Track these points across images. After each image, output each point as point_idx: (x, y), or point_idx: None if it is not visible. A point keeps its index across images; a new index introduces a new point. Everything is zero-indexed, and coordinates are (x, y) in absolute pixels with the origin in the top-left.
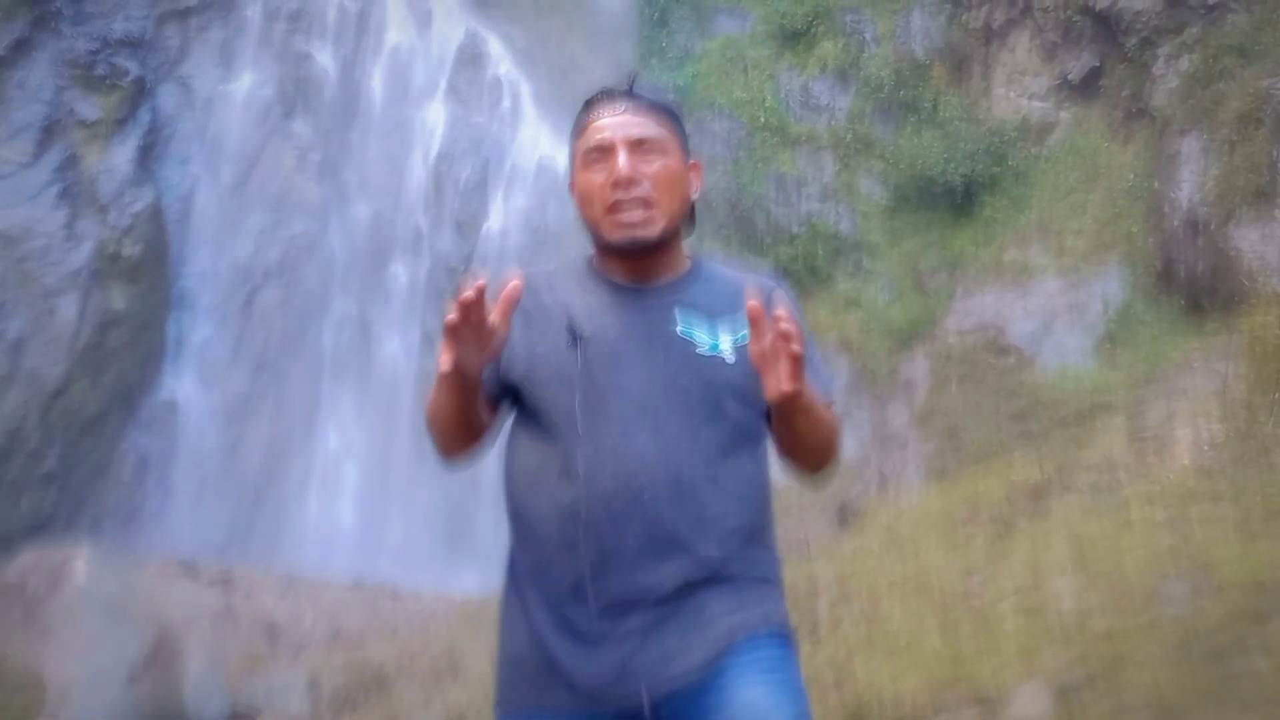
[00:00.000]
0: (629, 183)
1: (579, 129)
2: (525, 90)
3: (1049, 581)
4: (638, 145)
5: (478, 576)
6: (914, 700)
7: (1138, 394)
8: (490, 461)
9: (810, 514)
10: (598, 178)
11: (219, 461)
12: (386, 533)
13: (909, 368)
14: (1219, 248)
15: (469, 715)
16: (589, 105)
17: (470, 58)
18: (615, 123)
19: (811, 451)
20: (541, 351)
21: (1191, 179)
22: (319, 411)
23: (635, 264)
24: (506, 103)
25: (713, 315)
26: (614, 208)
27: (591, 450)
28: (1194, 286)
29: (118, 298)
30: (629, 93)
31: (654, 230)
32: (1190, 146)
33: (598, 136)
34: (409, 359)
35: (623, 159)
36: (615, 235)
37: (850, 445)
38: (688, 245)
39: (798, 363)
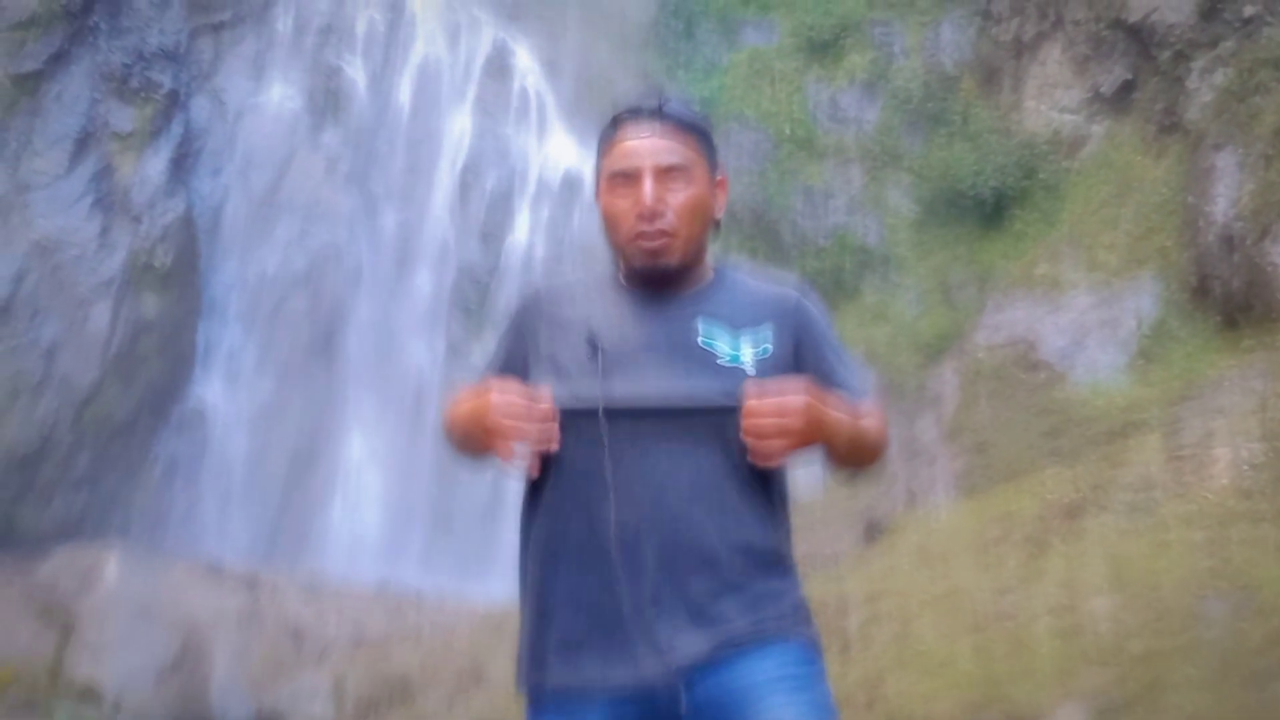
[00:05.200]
0: (653, 215)
1: (606, 146)
2: (551, 102)
3: (1085, 602)
4: (664, 173)
5: (501, 585)
6: None
7: (1173, 412)
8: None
9: (837, 529)
10: (623, 203)
11: (245, 467)
12: (410, 540)
13: (937, 382)
14: (1255, 263)
15: None
16: (617, 122)
17: (497, 69)
18: (643, 147)
19: (851, 462)
20: (563, 362)
21: (1226, 194)
22: (344, 419)
23: (656, 282)
24: (533, 114)
25: (735, 326)
26: (637, 237)
27: (611, 462)
28: (1229, 302)
29: (149, 306)
30: (658, 112)
31: (674, 259)
32: (1225, 161)
33: (624, 161)
34: (433, 367)
35: (648, 189)
36: (638, 262)
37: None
38: (713, 256)
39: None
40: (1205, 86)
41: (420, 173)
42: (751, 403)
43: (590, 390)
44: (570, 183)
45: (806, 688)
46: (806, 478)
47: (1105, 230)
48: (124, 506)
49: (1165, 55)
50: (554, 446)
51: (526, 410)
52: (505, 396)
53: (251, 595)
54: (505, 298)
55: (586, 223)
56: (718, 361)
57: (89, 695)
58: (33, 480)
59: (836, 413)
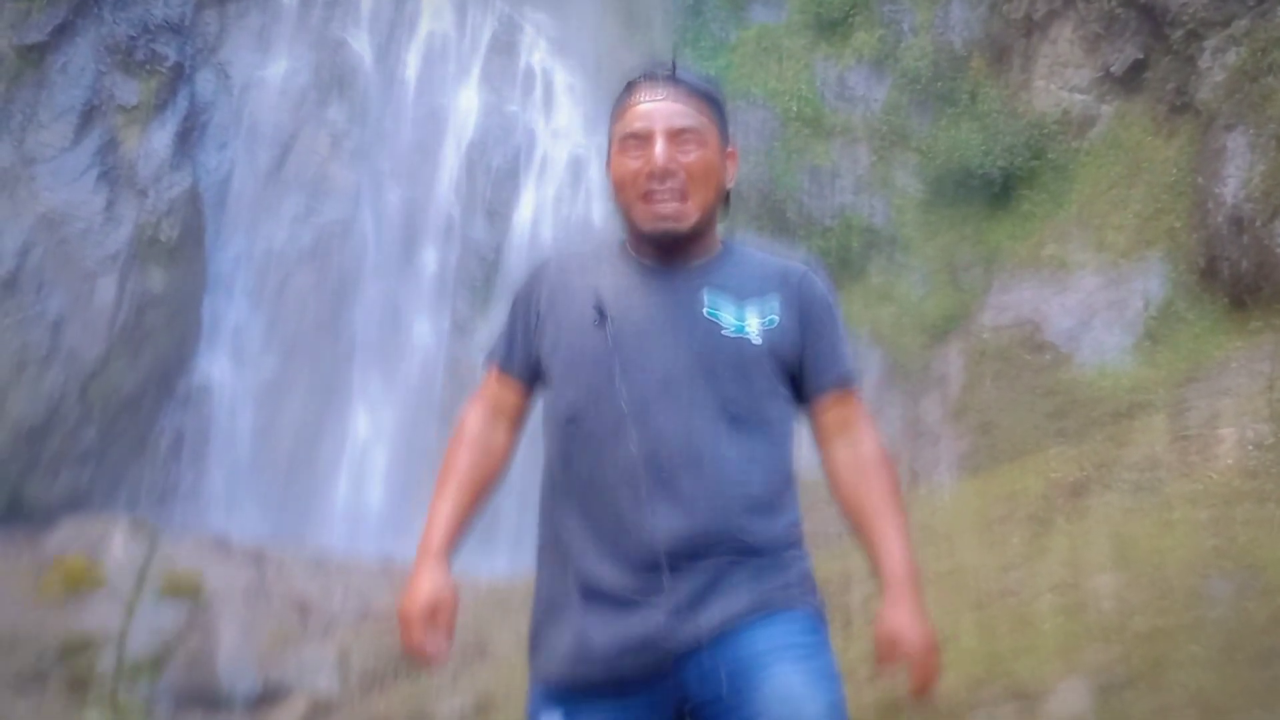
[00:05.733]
0: (665, 174)
1: (619, 111)
2: (558, 79)
3: (1089, 580)
4: (676, 135)
5: (505, 560)
6: (951, 696)
7: (1179, 393)
8: (519, 445)
9: None
10: (634, 164)
11: (251, 442)
12: (415, 517)
13: (942, 363)
14: (1264, 245)
15: (497, 697)
16: (630, 87)
17: (504, 46)
18: (655, 109)
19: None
20: (569, 331)
21: (1237, 175)
22: (350, 395)
23: (666, 249)
24: (539, 91)
25: (741, 297)
26: (648, 197)
27: (614, 427)
28: (1237, 284)
29: (155, 280)
30: (671, 77)
31: (686, 223)
32: (1236, 142)
33: (637, 123)
34: (439, 344)
35: (660, 149)
36: (648, 225)
37: (881, 440)
38: (721, 231)
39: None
40: (1217, 66)
41: (426, 149)
42: (918, 690)
43: (595, 358)
44: (577, 160)
45: (812, 656)
46: (810, 458)
47: (1114, 211)
48: (131, 480)
49: (1178, 34)
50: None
51: (416, 642)
52: (410, 627)
53: (258, 569)
54: (511, 276)
55: (593, 200)
56: (723, 332)
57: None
58: (40, 453)
59: (916, 584)
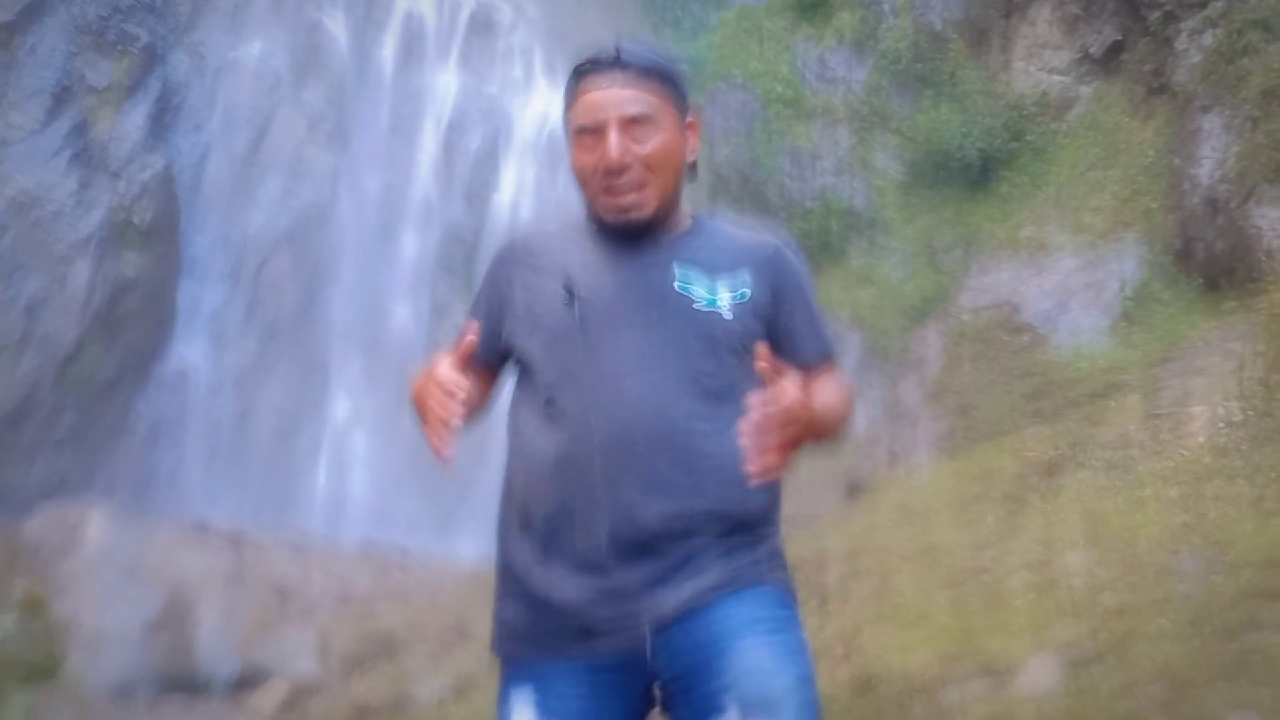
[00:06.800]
0: (620, 169)
1: (569, 101)
2: (537, 60)
3: (1061, 557)
4: (629, 124)
5: (485, 544)
6: (923, 672)
7: (1153, 373)
8: (497, 431)
9: (819, 489)
10: (590, 158)
11: (230, 427)
12: (395, 500)
13: (921, 345)
14: (1238, 226)
15: (478, 679)
16: (578, 75)
17: (482, 26)
18: (604, 99)
19: (823, 438)
20: (539, 312)
21: (1212, 156)
22: (329, 380)
23: (632, 234)
24: (518, 72)
25: (712, 271)
26: (607, 191)
27: (588, 404)
28: (1212, 265)
29: (129, 264)
30: (618, 60)
31: (646, 211)
32: (1212, 123)
33: (588, 116)
34: (418, 328)
35: (614, 142)
36: (609, 217)
37: (861, 421)
38: (698, 207)
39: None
40: (1194, 48)
41: (404, 132)
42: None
43: (566, 337)
44: (555, 141)
45: (780, 630)
46: None
47: (1091, 193)
48: (108, 466)
49: (1155, 16)
50: (455, 423)
51: (440, 398)
52: (429, 383)
53: (237, 554)
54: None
55: (571, 182)
56: (694, 306)
57: (73, 654)
58: (16, 439)
59: (822, 409)
